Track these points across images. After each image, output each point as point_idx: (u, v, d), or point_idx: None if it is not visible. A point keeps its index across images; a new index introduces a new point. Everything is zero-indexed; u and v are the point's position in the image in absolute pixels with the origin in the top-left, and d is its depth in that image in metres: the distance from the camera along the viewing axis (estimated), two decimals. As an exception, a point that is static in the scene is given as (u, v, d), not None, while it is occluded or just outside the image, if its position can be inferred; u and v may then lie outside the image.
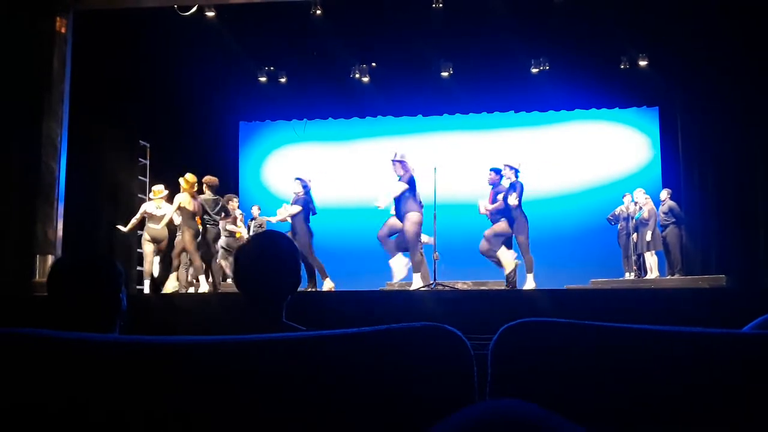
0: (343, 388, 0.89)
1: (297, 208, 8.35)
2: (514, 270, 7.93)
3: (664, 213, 9.62)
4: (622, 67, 10.63)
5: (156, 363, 0.91)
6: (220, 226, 9.08)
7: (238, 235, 9.51)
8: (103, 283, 1.98)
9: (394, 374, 0.90)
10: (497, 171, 8.12)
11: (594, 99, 11.64)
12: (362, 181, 12.23)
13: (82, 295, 1.95)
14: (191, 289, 8.78)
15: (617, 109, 11.89)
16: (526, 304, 6.07)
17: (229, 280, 9.53)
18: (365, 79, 11.16)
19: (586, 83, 10.99)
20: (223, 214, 8.75)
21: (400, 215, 7.66)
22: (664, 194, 9.82)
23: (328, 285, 8.32)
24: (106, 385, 0.89)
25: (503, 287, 8.13)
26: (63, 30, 7.57)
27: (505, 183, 8.03)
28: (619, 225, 10.19)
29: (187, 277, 8.99)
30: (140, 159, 10.65)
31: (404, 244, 7.68)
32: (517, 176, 7.96)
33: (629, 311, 5.19)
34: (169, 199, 8.57)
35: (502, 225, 7.90)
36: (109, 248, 9.46)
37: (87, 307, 1.94)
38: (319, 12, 9.27)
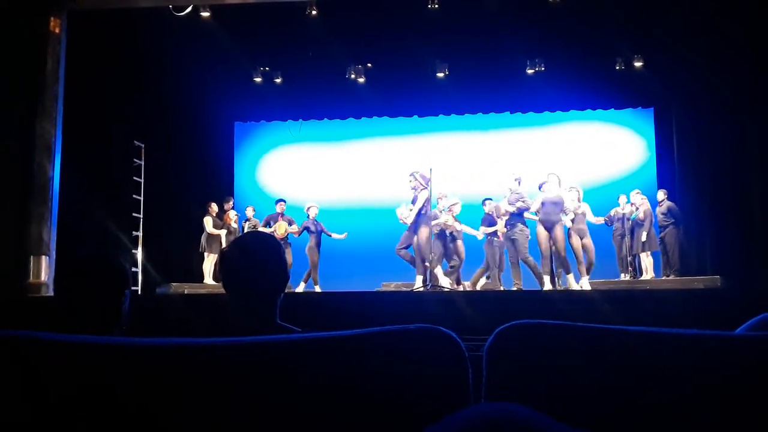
0: (336, 390, 0.89)
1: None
2: None
3: (663, 213, 9.58)
4: (617, 68, 10.63)
5: (153, 365, 0.91)
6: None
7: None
8: (107, 284, 1.95)
9: (388, 376, 0.89)
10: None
11: (589, 100, 11.64)
12: (358, 181, 12.22)
13: (87, 295, 1.92)
14: None
15: (612, 110, 11.89)
16: (521, 305, 6.05)
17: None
18: (361, 80, 11.13)
19: (581, 84, 10.99)
20: None
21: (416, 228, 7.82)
22: (661, 195, 9.77)
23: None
24: (103, 388, 0.89)
25: (498, 289, 8.12)
26: (57, 30, 7.52)
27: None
28: (614, 226, 10.17)
29: None
30: (135, 159, 10.60)
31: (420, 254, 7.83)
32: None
33: (624, 312, 5.18)
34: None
35: None
36: (104, 248, 9.42)
37: (90, 307, 1.92)
38: (314, 12, 9.26)
